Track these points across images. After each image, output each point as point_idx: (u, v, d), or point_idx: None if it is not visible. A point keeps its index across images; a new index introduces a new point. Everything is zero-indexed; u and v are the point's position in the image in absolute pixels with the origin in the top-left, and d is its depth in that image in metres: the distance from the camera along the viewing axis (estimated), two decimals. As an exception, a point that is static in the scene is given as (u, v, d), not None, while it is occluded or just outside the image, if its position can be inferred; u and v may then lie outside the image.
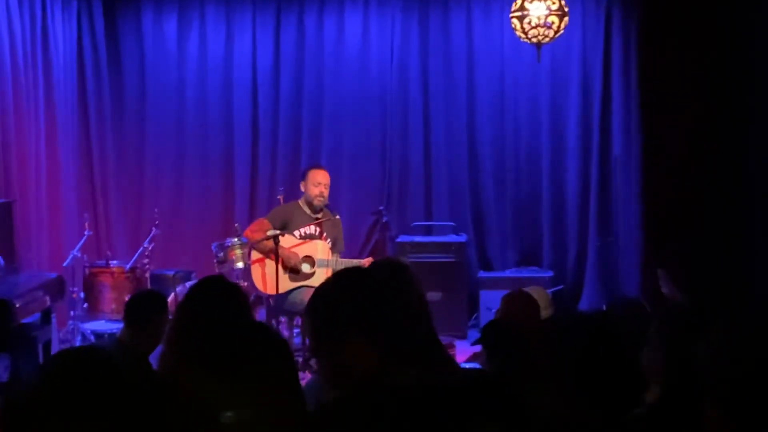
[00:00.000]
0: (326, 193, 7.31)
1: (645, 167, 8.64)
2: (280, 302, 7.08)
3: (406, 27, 9.22)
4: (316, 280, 7.10)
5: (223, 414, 2.28)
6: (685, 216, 8.40)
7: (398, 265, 3.71)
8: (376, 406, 2.09)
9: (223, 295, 3.53)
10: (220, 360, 2.16)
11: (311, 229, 7.26)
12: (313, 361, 6.43)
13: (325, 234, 7.29)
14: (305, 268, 7.15)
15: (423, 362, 2.35)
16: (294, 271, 7.11)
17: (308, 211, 7.32)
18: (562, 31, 7.26)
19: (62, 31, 8.99)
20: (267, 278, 7.11)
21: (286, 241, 7.07)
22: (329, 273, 7.14)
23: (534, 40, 7.22)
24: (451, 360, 3.50)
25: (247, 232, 7.34)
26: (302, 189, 7.37)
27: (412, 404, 2.06)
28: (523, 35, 7.24)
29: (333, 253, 7.31)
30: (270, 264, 7.04)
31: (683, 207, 8.44)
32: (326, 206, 7.41)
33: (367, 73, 9.30)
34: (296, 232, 7.19)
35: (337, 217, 7.47)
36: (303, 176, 7.42)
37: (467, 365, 4.21)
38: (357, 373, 2.35)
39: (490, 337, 4.03)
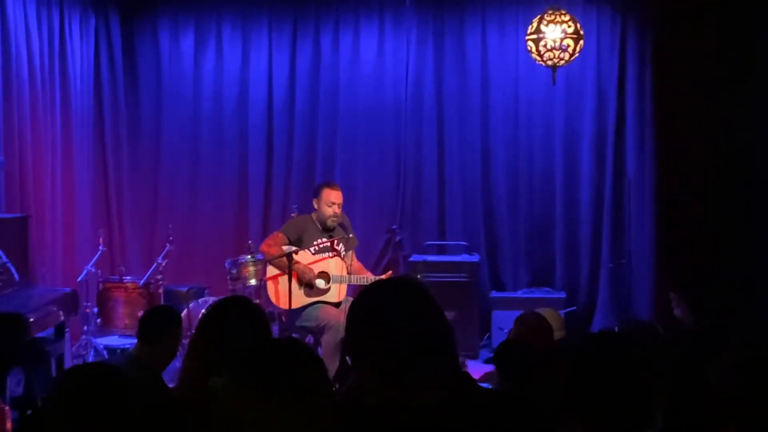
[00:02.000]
0: (339, 212, 7.29)
1: (659, 189, 8.63)
2: (293, 319, 7.07)
3: (421, 47, 9.25)
4: (331, 296, 7.11)
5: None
6: (699, 239, 8.38)
7: (415, 284, 3.71)
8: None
9: (248, 315, 3.53)
10: (251, 375, 2.16)
11: (325, 242, 7.24)
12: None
13: (336, 240, 7.27)
14: (320, 283, 7.14)
15: (442, 383, 2.35)
16: (309, 287, 7.11)
17: (320, 228, 7.31)
18: (577, 54, 7.28)
19: (80, 47, 9.05)
20: (281, 293, 7.10)
21: (302, 257, 7.07)
22: (344, 289, 7.14)
23: (549, 63, 7.24)
24: (471, 380, 3.50)
25: (263, 246, 7.33)
26: (315, 206, 7.35)
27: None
28: (538, 58, 7.26)
29: (346, 252, 7.31)
30: (284, 279, 7.04)
31: (697, 230, 8.42)
32: (341, 224, 7.40)
33: (382, 92, 9.32)
34: (311, 248, 7.19)
35: (351, 235, 7.45)
36: (316, 193, 7.40)
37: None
38: (366, 398, 2.34)
39: (505, 357, 4.01)
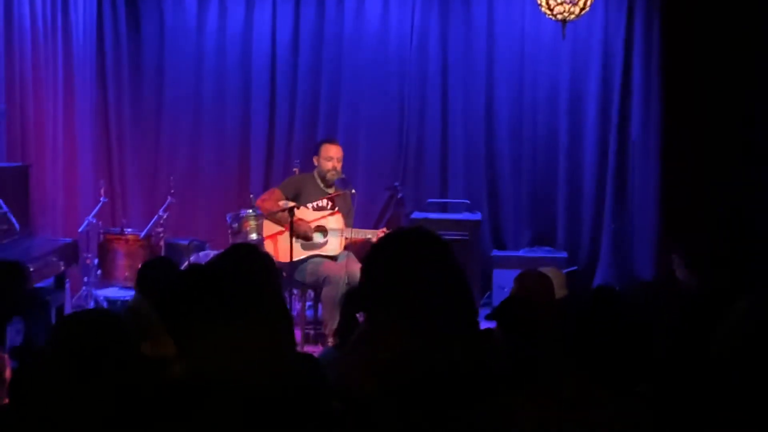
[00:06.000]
0: (339, 167, 7.31)
1: (663, 151, 8.59)
2: (292, 272, 7.08)
3: (426, 3, 9.16)
4: (329, 249, 7.11)
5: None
6: (701, 201, 8.34)
7: (430, 235, 3.67)
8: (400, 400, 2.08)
9: (255, 262, 3.52)
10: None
11: (323, 203, 7.26)
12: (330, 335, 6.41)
13: (337, 208, 7.28)
14: (317, 237, 7.15)
15: (459, 338, 2.32)
16: (305, 239, 7.10)
17: (321, 185, 7.32)
18: (587, 9, 7.18)
19: (83, -2, 8.98)
20: (279, 247, 7.10)
21: (301, 214, 7.06)
22: (342, 243, 7.14)
23: (559, 16, 7.15)
24: (486, 335, 3.48)
25: (259, 201, 7.36)
26: (315, 163, 7.38)
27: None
28: (548, 11, 7.17)
29: (347, 212, 7.34)
30: (282, 235, 7.03)
31: (700, 192, 8.38)
32: (342, 179, 7.40)
33: (386, 49, 9.25)
34: (309, 206, 7.18)
35: (353, 191, 7.45)
36: (316, 150, 7.44)
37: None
38: (381, 352, 2.31)
39: (507, 313, 3.97)
